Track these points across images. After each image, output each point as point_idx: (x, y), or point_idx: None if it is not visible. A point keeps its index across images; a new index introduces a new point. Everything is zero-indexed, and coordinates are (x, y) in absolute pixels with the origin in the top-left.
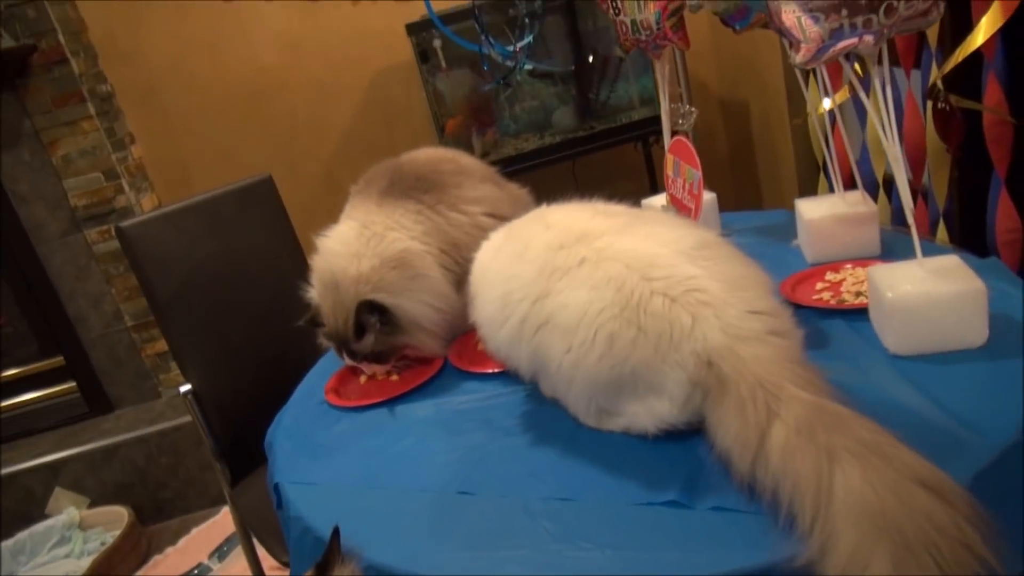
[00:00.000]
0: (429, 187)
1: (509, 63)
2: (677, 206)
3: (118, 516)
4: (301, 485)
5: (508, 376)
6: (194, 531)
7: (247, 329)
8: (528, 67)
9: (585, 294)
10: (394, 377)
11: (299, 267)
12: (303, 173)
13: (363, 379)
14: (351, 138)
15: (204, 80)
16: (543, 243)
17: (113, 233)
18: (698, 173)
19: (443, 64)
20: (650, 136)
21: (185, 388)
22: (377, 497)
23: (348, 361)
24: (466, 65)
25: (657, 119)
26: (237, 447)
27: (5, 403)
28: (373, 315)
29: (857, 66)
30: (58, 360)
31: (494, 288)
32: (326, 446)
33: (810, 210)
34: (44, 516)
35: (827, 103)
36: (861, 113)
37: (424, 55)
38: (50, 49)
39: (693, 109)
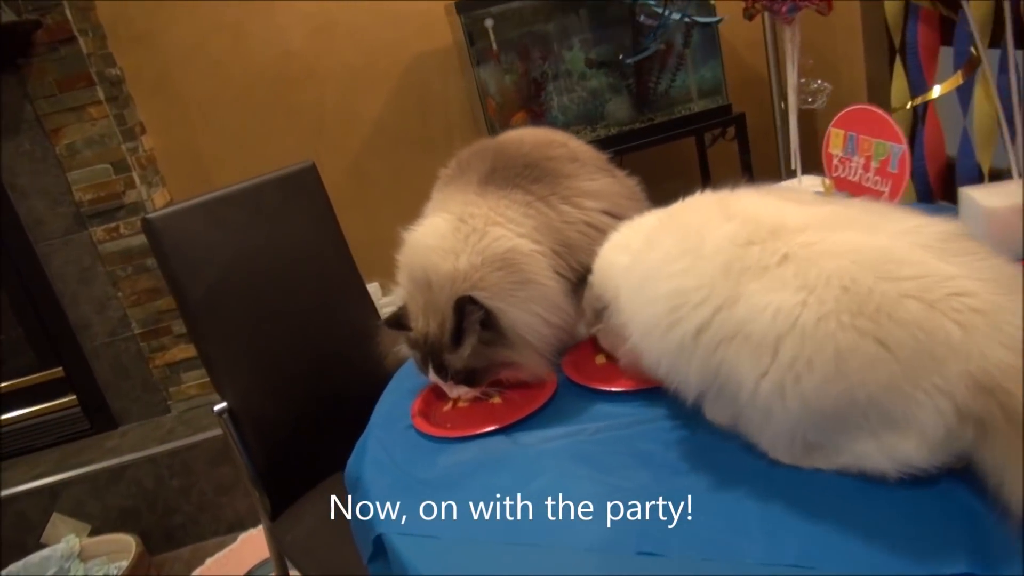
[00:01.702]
0: (539, 175)
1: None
2: (851, 191)
3: (124, 545)
4: (416, 538)
5: (647, 395)
6: (208, 562)
7: (290, 337)
8: (679, 17)
9: (792, 297)
10: (495, 399)
11: (346, 267)
12: (330, 166)
13: (448, 406)
14: (382, 129)
15: (224, 65)
16: (724, 236)
17: (121, 231)
18: (899, 147)
19: (494, 47)
20: (708, 131)
21: (220, 406)
22: (523, 557)
23: (433, 378)
24: (515, 49)
25: (718, 112)
26: (278, 474)
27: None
28: (474, 316)
29: (973, 49)
30: (57, 371)
31: (654, 287)
32: (434, 485)
33: (986, 198)
34: (40, 545)
35: (937, 91)
36: (964, 101)
37: (472, 37)
38: (56, 25)
39: (826, 84)
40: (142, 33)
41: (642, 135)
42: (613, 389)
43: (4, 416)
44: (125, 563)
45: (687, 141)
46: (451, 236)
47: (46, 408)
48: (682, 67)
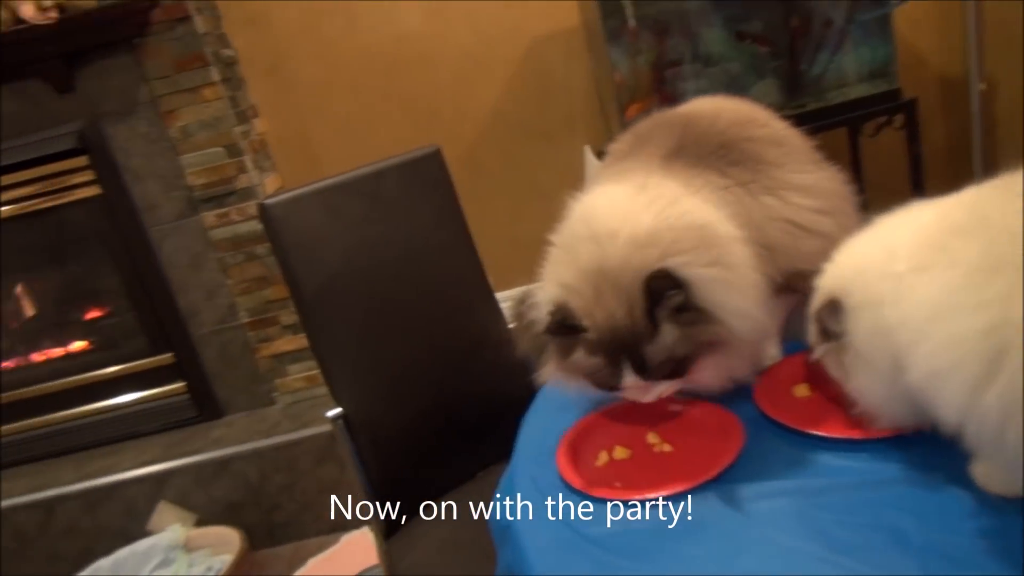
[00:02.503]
0: (738, 158)
1: None
2: None
3: (228, 539)
4: None
5: (878, 446)
6: (310, 563)
7: (410, 340)
8: None
9: None
10: (666, 447)
11: (471, 265)
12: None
13: (601, 459)
14: (499, 117)
15: (337, 48)
16: None
17: (232, 216)
18: None
19: (631, 23)
20: (870, 119)
21: (335, 412)
22: None
23: (629, 383)
24: (651, 28)
25: (882, 97)
26: (393, 489)
27: (109, 403)
28: (672, 292)
29: None
30: (167, 357)
31: (959, 319)
32: (609, 547)
33: None
34: (146, 533)
35: None
36: None
37: (606, 14)
38: (172, 4)
39: None
40: (255, 14)
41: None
42: (837, 436)
43: (115, 400)
44: (228, 557)
45: (834, 132)
46: (629, 202)
47: (156, 394)
48: (842, 46)
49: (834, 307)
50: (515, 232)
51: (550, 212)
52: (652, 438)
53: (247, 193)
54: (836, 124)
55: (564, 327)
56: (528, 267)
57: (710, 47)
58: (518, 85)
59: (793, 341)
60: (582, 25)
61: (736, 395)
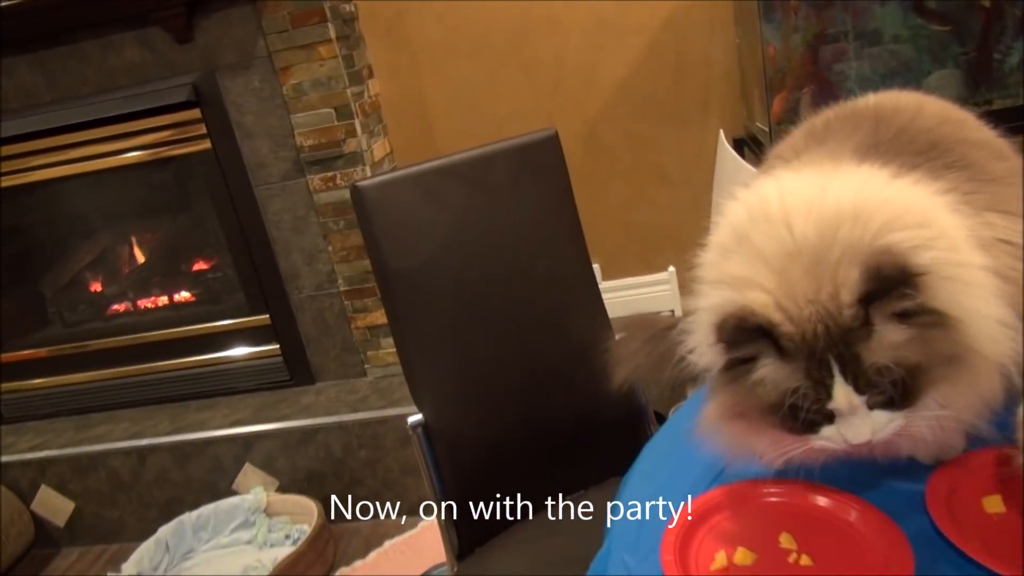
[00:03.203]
0: (953, 162)
1: None
2: None
3: (307, 509)
4: None
5: None
6: (387, 545)
7: (504, 344)
8: None
9: None
10: (804, 560)
11: (580, 263)
12: (561, 131)
13: (718, 562)
14: (626, 93)
15: (460, 8)
16: None
17: (338, 181)
18: None
19: None
20: None
21: (415, 418)
22: None
23: (840, 404)
24: (813, 3)
25: None
26: (468, 505)
27: (205, 357)
28: (906, 277)
29: None
30: (264, 318)
31: None
32: None
33: None
34: (230, 491)
35: None
36: None
37: None
38: None
39: None
40: None
41: None
42: None
43: (212, 355)
44: (307, 527)
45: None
46: (821, 182)
47: (251, 354)
48: None
49: None
50: (630, 219)
51: (671, 200)
52: (786, 541)
53: (354, 158)
54: None
55: (745, 332)
56: (641, 257)
57: (880, 23)
58: (651, 57)
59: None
60: None
61: (902, 492)
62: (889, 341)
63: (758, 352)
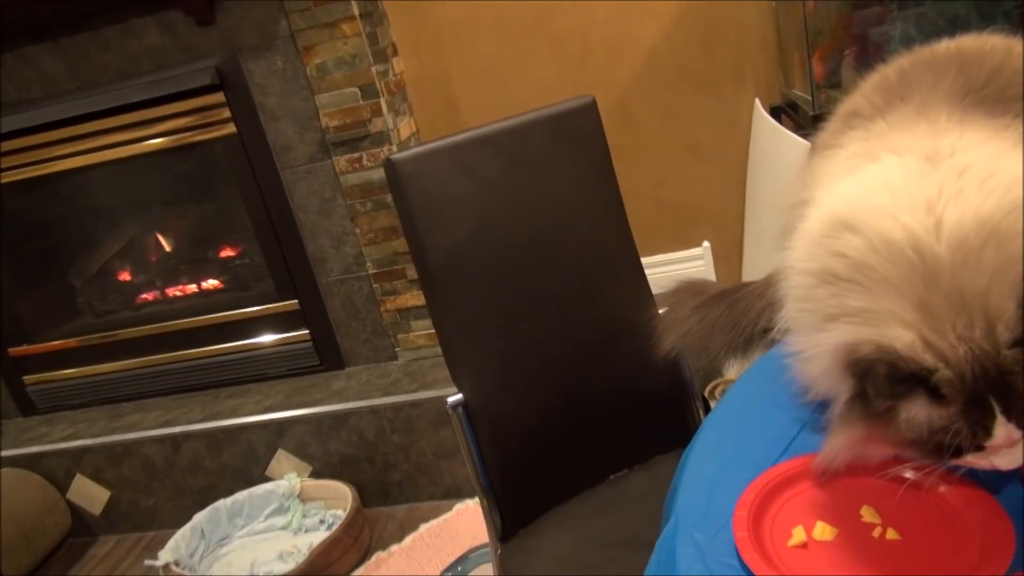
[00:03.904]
0: None
1: None
2: None
3: (341, 494)
4: None
5: None
6: (422, 528)
7: (546, 319)
8: None
9: None
10: (890, 534)
11: (620, 237)
12: None
13: (797, 536)
14: (655, 62)
15: None
16: None
17: (364, 162)
18: None
19: None
20: None
21: (455, 398)
22: None
23: (1000, 440)
24: None
25: None
26: (514, 487)
27: (235, 344)
28: None
29: None
30: (293, 303)
31: None
32: None
33: None
34: (264, 478)
35: None
36: None
37: None
38: None
39: None
40: None
41: None
42: None
43: (242, 342)
44: (341, 512)
45: None
46: (926, 180)
47: (281, 340)
48: None
49: None
50: (662, 193)
51: (704, 173)
52: (868, 515)
53: (380, 138)
54: None
55: (898, 379)
56: (674, 232)
57: None
58: (683, 24)
59: None
60: None
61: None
62: None
63: (906, 395)
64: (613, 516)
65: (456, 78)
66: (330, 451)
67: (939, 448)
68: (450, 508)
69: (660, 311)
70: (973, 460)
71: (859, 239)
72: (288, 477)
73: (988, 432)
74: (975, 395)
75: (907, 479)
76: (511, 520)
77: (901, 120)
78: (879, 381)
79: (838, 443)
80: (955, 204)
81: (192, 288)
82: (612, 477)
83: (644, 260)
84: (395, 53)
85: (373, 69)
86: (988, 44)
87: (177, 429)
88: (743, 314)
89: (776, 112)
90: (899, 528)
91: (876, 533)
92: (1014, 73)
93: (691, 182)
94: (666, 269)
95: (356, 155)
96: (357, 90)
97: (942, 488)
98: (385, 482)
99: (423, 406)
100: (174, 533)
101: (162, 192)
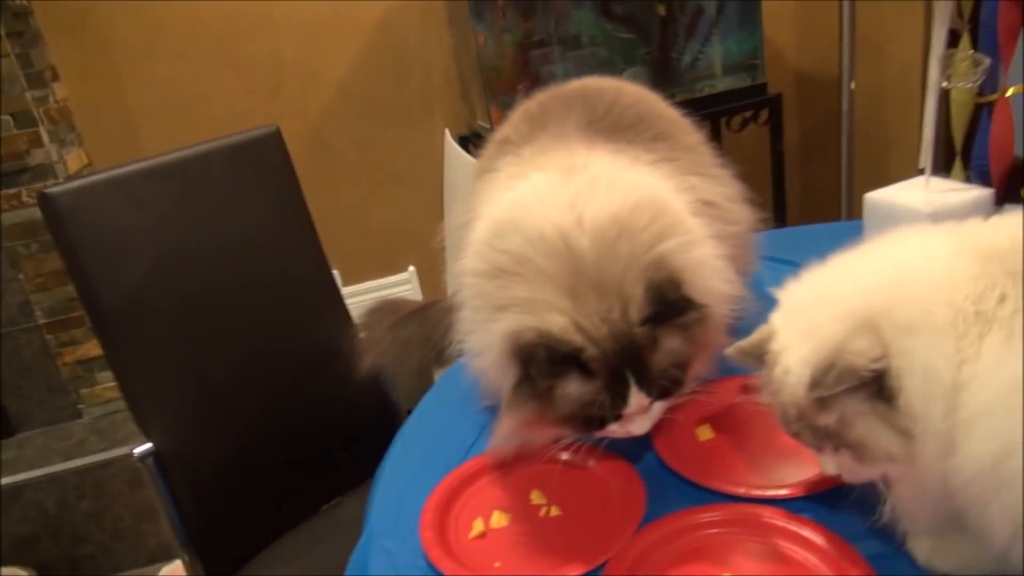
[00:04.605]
0: (659, 135)
1: None
2: None
3: None
4: None
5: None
6: None
7: (241, 354)
8: None
9: None
10: (554, 511)
11: (315, 263)
12: (285, 132)
13: (476, 529)
14: (348, 92)
15: (157, 8)
16: None
17: (24, 198)
18: None
19: None
20: (737, 113)
21: (143, 448)
22: None
23: (633, 408)
24: (521, 4)
25: (749, 91)
26: (218, 535)
27: None
28: (676, 285)
29: None
30: None
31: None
32: None
33: None
34: None
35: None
36: None
37: None
38: None
39: (983, 57)
40: None
41: None
42: (746, 494)
43: None
44: None
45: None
46: (566, 186)
47: None
48: (712, 36)
49: (872, 335)
50: (366, 221)
51: (405, 200)
52: (537, 498)
53: (43, 171)
54: (704, 117)
55: (555, 360)
56: (381, 259)
57: (579, 28)
58: (371, 58)
59: None
60: None
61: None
62: (670, 348)
63: (562, 373)
64: (330, 544)
65: (134, 106)
66: (1, 534)
67: (588, 421)
68: (156, 573)
69: (359, 334)
70: (615, 429)
71: (518, 236)
72: None
73: (625, 400)
74: (615, 369)
75: (564, 460)
76: (222, 568)
77: (544, 146)
78: (540, 363)
79: (507, 427)
80: (591, 204)
81: None
82: (325, 507)
83: (353, 287)
84: (55, 78)
85: (28, 94)
86: (605, 84)
87: None
88: (434, 329)
89: (464, 141)
90: (560, 504)
91: (543, 513)
92: (624, 107)
93: (393, 209)
94: (376, 295)
95: (14, 191)
96: (10, 117)
97: (592, 464)
98: (75, 558)
99: (117, 464)
100: None
101: None
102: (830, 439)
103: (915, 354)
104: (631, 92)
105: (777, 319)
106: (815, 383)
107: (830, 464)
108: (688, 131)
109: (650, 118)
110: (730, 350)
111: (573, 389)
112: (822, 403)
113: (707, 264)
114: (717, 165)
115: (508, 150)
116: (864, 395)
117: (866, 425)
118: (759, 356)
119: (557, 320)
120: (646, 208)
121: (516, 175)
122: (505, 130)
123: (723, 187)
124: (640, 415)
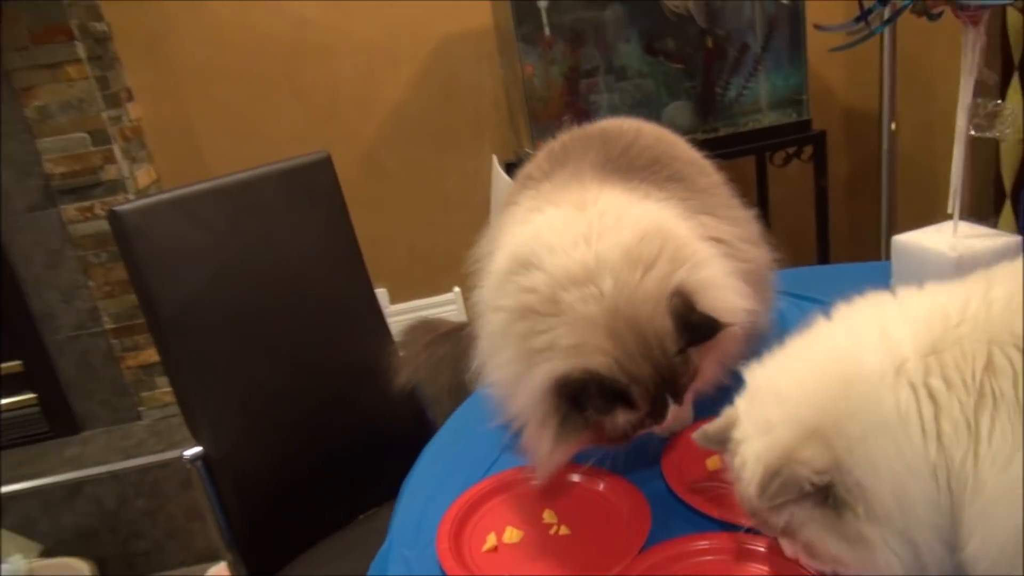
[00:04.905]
0: (673, 175)
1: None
2: None
3: (77, 570)
4: None
5: None
6: None
7: (286, 369)
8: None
9: None
10: (563, 530)
11: (359, 285)
12: (340, 156)
13: (488, 542)
14: (401, 117)
15: (227, 31)
16: None
17: (97, 211)
18: None
19: (547, 32)
20: (781, 148)
21: (193, 451)
22: None
23: (670, 419)
24: (566, 37)
25: (794, 127)
26: (260, 539)
27: None
28: (691, 308)
29: None
30: (15, 365)
31: None
32: None
33: None
34: None
35: None
36: None
37: (520, 19)
38: None
39: (1006, 105)
40: None
41: (702, 148)
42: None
43: None
44: None
45: (742, 160)
46: (579, 222)
47: (2, 405)
48: (757, 72)
49: (820, 445)
50: (415, 241)
51: (453, 222)
52: (548, 516)
53: (115, 186)
54: (748, 151)
55: (607, 398)
56: (427, 279)
57: (624, 61)
58: (423, 85)
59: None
60: (494, 27)
61: (642, 460)
62: (694, 363)
63: (612, 409)
64: (361, 554)
65: (199, 126)
66: (64, 525)
67: (628, 436)
68: (203, 573)
69: (397, 351)
70: (658, 430)
71: (543, 275)
72: (11, 560)
73: (664, 416)
74: (657, 398)
75: (575, 481)
76: (261, 570)
77: (561, 182)
78: (595, 399)
79: (559, 456)
80: (603, 239)
81: None
82: (361, 517)
83: (400, 306)
84: (130, 98)
85: (104, 114)
86: (625, 125)
87: None
88: (466, 350)
89: (511, 167)
90: (570, 524)
91: (553, 531)
92: (641, 148)
93: (440, 231)
94: (420, 314)
95: (87, 203)
96: (87, 135)
97: (601, 486)
98: (130, 553)
99: (172, 466)
100: None
101: None
102: (784, 534)
103: (875, 459)
104: (650, 134)
105: (741, 405)
106: (761, 489)
107: (788, 549)
108: (706, 173)
109: (665, 159)
110: (696, 435)
111: (621, 418)
112: (773, 505)
113: (718, 283)
114: (733, 207)
115: (530, 185)
116: (812, 503)
117: (814, 531)
118: (722, 442)
119: (603, 361)
120: (653, 237)
121: (534, 209)
122: (529, 166)
123: (736, 228)
124: (673, 419)
